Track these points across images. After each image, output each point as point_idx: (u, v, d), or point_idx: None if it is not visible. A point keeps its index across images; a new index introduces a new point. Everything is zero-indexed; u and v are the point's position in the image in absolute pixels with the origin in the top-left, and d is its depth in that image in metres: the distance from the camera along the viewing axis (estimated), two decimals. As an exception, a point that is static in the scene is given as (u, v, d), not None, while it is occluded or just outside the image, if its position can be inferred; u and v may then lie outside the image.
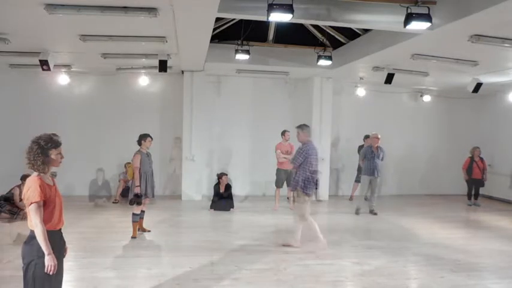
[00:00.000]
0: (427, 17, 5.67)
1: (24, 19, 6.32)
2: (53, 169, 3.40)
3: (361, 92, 12.26)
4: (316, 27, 9.18)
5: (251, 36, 9.20)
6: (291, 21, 6.46)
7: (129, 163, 8.90)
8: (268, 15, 5.61)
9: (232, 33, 9.25)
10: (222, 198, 10.23)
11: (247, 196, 10.93)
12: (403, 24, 5.86)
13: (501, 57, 8.09)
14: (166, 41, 7.51)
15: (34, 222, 3.12)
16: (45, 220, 3.18)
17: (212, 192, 10.94)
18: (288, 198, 11.11)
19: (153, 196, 7.60)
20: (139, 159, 7.06)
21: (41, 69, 8.53)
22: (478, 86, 9.92)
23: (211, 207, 9.78)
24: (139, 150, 7.19)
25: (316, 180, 11.21)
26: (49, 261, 3.13)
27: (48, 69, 8.50)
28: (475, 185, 11.39)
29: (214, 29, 7.67)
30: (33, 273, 3.16)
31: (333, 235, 7.96)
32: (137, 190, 7.00)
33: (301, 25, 8.86)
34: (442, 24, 6.02)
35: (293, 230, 6.96)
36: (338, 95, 12.13)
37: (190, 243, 7.03)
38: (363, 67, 9.95)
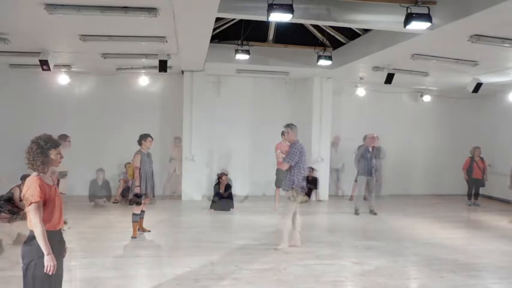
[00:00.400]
0: (427, 17, 5.67)
1: (24, 19, 6.32)
2: (55, 168, 3.39)
3: (361, 92, 12.25)
4: (316, 27, 9.17)
5: (251, 36, 9.20)
6: (291, 21, 6.46)
7: (129, 163, 8.89)
8: (268, 15, 5.61)
9: (232, 33, 9.24)
10: (222, 198, 10.23)
11: (247, 196, 10.93)
12: (403, 24, 5.86)
13: (501, 57, 8.09)
14: (166, 41, 7.51)
15: (34, 222, 3.12)
16: (45, 220, 3.17)
17: (212, 192, 10.94)
18: (288, 198, 11.10)
19: (153, 196, 7.60)
20: (139, 159, 7.06)
21: (41, 69, 8.53)
22: (478, 86, 9.92)
23: (211, 207, 9.78)
24: (139, 150, 7.19)
25: (316, 180, 11.29)
26: (49, 261, 3.13)
27: (48, 69, 8.50)
28: (475, 185, 11.39)
29: (214, 29, 7.67)
30: (33, 273, 3.16)
31: (333, 235, 7.98)
32: (137, 190, 7.01)
33: (301, 25, 8.85)
34: (442, 24, 6.02)
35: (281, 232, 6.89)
36: (338, 95, 12.12)
37: (190, 243, 7.03)
38: (363, 67, 9.95)
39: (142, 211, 7.32)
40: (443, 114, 13.23)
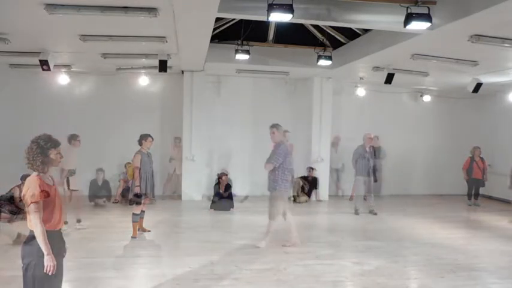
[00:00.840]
0: (427, 17, 5.67)
1: (24, 19, 6.32)
2: (52, 169, 3.38)
3: (361, 92, 12.25)
4: (316, 27, 9.17)
5: (251, 36, 9.20)
6: (291, 21, 6.46)
7: (129, 163, 8.91)
8: (268, 15, 5.61)
9: (232, 33, 9.24)
10: (222, 198, 10.23)
11: (247, 196, 10.92)
12: (403, 24, 5.85)
13: (501, 57, 8.09)
14: (166, 41, 7.51)
15: (33, 223, 3.12)
16: (45, 220, 3.17)
17: (212, 192, 10.94)
18: (288, 198, 11.10)
19: (153, 196, 7.60)
20: (139, 159, 7.06)
21: (41, 69, 8.53)
22: (478, 86, 9.92)
23: (211, 207, 9.78)
24: (139, 150, 7.19)
25: (316, 180, 11.28)
26: (48, 262, 3.13)
27: (48, 69, 8.50)
28: (475, 185, 11.39)
29: (214, 29, 7.67)
30: (33, 274, 3.16)
31: (333, 235, 7.98)
32: (137, 190, 7.01)
33: (301, 25, 8.85)
34: (442, 24, 6.02)
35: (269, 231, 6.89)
36: (338, 95, 12.12)
37: (190, 243, 7.04)
38: (363, 67, 9.95)
39: (142, 211, 7.32)
40: (443, 114, 13.23)
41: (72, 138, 8.88)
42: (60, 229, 3.40)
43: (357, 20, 6.71)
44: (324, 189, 11.54)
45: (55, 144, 3.30)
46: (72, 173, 8.47)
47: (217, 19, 6.93)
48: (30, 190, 3.13)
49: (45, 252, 3.12)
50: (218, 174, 11.19)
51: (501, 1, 4.90)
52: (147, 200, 7.48)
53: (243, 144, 11.85)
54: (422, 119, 13.09)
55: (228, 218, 9.25)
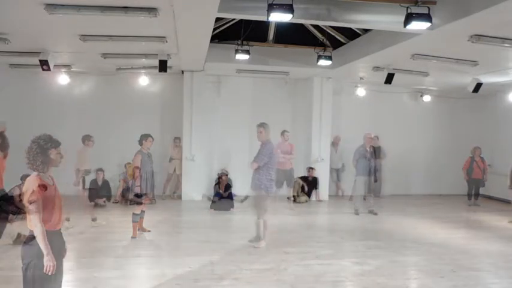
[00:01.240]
0: (427, 17, 5.67)
1: (24, 19, 6.32)
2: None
3: (361, 92, 12.26)
4: (316, 27, 9.17)
5: (251, 36, 9.20)
6: (291, 21, 6.46)
7: (129, 163, 8.92)
8: (268, 15, 5.61)
9: (232, 33, 9.24)
10: (222, 198, 10.22)
11: (247, 196, 10.91)
12: (403, 24, 5.85)
13: (501, 57, 8.09)
14: (166, 41, 7.51)
15: (33, 222, 3.12)
16: (45, 220, 3.17)
17: (212, 192, 10.94)
18: (288, 198, 11.12)
19: (153, 196, 7.59)
20: (140, 159, 7.07)
21: (41, 69, 8.54)
22: (478, 86, 9.92)
23: (211, 207, 9.78)
24: (140, 150, 7.19)
25: (316, 180, 11.28)
26: (48, 262, 3.12)
27: (48, 69, 8.50)
28: (475, 185, 11.39)
29: (214, 29, 7.67)
30: (33, 274, 3.16)
31: (333, 235, 7.98)
32: (137, 190, 7.01)
33: (301, 25, 8.85)
34: (442, 24, 6.02)
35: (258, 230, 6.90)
36: (338, 95, 12.12)
37: (190, 243, 7.04)
38: (363, 67, 9.95)
39: (143, 211, 7.32)
40: (443, 114, 13.23)
41: (86, 138, 9.13)
42: (60, 229, 3.40)
43: (357, 20, 6.71)
44: (324, 189, 11.54)
45: (55, 144, 3.30)
46: (87, 172, 8.79)
47: (217, 19, 6.93)
48: (29, 190, 3.13)
49: (44, 252, 3.12)
50: (218, 174, 11.20)
51: (501, 1, 4.90)
52: (147, 200, 7.48)
53: (243, 144, 11.83)
54: (423, 119, 13.09)
55: (228, 218, 9.25)
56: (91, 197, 9.84)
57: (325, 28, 9.05)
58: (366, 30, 8.51)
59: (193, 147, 10.92)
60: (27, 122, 10.36)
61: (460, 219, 9.79)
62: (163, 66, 8.78)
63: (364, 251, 6.77)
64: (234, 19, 8.48)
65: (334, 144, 12.09)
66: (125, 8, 5.66)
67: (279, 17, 5.78)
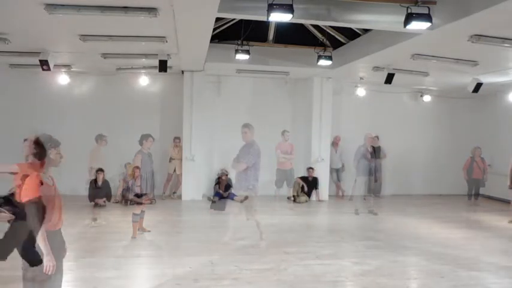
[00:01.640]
0: (427, 17, 5.67)
1: (24, 19, 6.32)
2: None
3: (361, 92, 12.25)
4: (316, 27, 9.17)
5: (251, 36, 9.19)
6: (291, 21, 6.46)
7: (129, 163, 8.95)
8: (268, 15, 5.61)
9: (232, 33, 9.24)
10: (222, 198, 10.22)
11: (247, 196, 10.89)
12: (403, 24, 5.85)
13: (501, 57, 8.09)
14: (166, 41, 7.51)
15: (33, 223, 3.12)
16: (45, 220, 3.17)
17: (212, 192, 10.95)
18: (288, 198, 11.12)
19: (153, 196, 7.58)
20: (140, 159, 7.07)
21: (41, 69, 8.54)
22: (478, 86, 9.92)
23: (212, 207, 9.77)
24: (140, 150, 7.19)
25: (316, 180, 11.28)
26: (48, 262, 3.12)
27: (48, 69, 8.51)
28: (475, 185, 11.39)
29: (214, 29, 7.67)
30: (33, 274, 3.16)
31: (333, 235, 7.98)
32: (137, 190, 7.01)
33: (301, 25, 8.85)
34: (442, 24, 6.01)
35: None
36: (338, 95, 12.12)
37: (190, 243, 7.04)
38: (363, 67, 9.95)
39: (143, 211, 7.32)
40: (443, 114, 13.23)
41: (99, 137, 9.20)
42: (60, 229, 3.40)
43: (357, 20, 6.71)
44: (324, 189, 11.54)
45: (55, 144, 3.30)
46: (101, 170, 9.16)
47: (217, 19, 6.92)
48: (29, 190, 3.13)
49: (44, 253, 3.12)
50: (218, 174, 11.21)
51: (501, 1, 4.90)
52: (147, 200, 7.48)
53: (243, 144, 11.83)
54: (423, 119, 13.09)
55: (228, 218, 9.23)
56: (91, 197, 9.85)
57: (325, 28, 9.04)
58: (366, 30, 8.51)
59: (193, 147, 10.91)
60: (27, 122, 10.37)
61: (460, 219, 9.79)
62: (163, 66, 8.78)
63: (364, 251, 6.77)
64: (234, 19, 8.48)
65: (334, 144, 12.09)
66: (125, 8, 5.66)
67: (279, 17, 5.78)
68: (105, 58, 8.95)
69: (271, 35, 9.78)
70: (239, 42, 9.09)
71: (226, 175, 11.19)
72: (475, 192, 11.37)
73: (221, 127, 11.66)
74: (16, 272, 4.23)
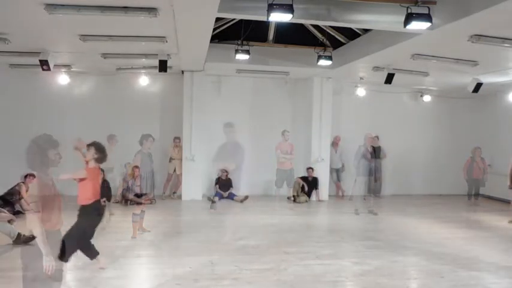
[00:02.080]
0: (427, 17, 5.67)
1: (24, 19, 6.32)
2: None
3: (361, 92, 12.25)
4: (316, 27, 9.17)
5: (251, 36, 9.19)
6: (291, 21, 6.46)
7: (129, 163, 8.97)
8: (268, 15, 5.61)
9: (232, 33, 9.24)
10: (222, 198, 10.21)
11: (247, 196, 10.92)
12: (403, 24, 5.85)
13: (501, 57, 8.09)
14: (166, 41, 7.51)
15: (33, 223, 3.12)
16: (44, 220, 3.17)
17: (212, 192, 10.95)
18: (288, 198, 11.13)
19: (153, 196, 7.58)
20: (139, 159, 7.07)
21: (41, 69, 8.54)
22: (478, 86, 9.92)
23: (212, 207, 9.78)
24: (140, 150, 7.19)
25: (316, 180, 11.28)
26: (48, 262, 3.12)
27: (48, 69, 8.50)
28: (475, 185, 11.39)
29: (214, 29, 7.67)
30: (34, 273, 3.16)
31: (333, 235, 7.98)
32: (137, 190, 7.02)
33: (301, 25, 8.85)
34: (442, 24, 6.02)
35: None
36: (338, 95, 12.12)
37: (190, 243, 7.03)
38: (363, 67, 9.95)
39: (143, 211, 7.32)
40: (443, 114, 13.23)
41: (111, 138, 9.42)
42: (59, 229, 3.40)
43: (357, 20, 6.71)
44: (324, 189, 11.53)
45: (54, 144, 3.31)
46: (110, 170, 9.22)
47: (217, 19, 6.92)
48: (29, 190, 3.14)
49: (44, 253, 3.12)
50: (218, 174, 11.22)
51: (501, 1, 4.90)
52: (147, 200, 7.48)
53: (243, 144, 11.85)
54: (423, 119, 13.09)
55: (228, 218, 9.25)
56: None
57: (325, 28, 9.05)
58: (366, 30, 8.51)
59: (193, 147, 10.91)
60: (27, 122, 10.38)
61: (460, 219, 9.79)
62: (163, 66, 8.78)
63: (364, 251, 6.77)
64: (234, 19, 8.48)
65: (334, 144, 12.09)
66: (125, 8, 5.66)
67: (279, 17, 5.78)
68: (105, 58, 8.95)
69: (271, 35, 9.78)
70: (239, 42, 9.09)
71: (227, 175, 11.21)
72: (475, 192, 11.37)
73: (221, 127, 11.67)
74: (16, 272, 4.24)
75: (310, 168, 11.25)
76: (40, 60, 8.28)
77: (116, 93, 11.35)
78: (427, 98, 13.00)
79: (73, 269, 5.46)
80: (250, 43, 9.30)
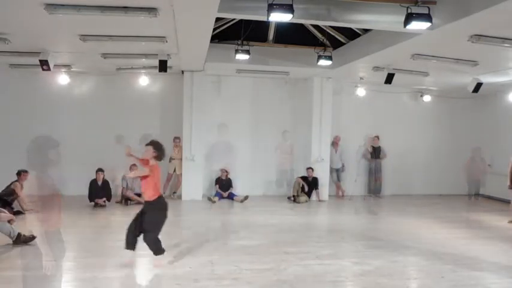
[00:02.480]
0: (427, 17, 5.67)
1: (24, 19, 6.32)
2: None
3: (361, 92, 12.25)
4: (316, 27, 9.17)
5: (251, 36, 9.20)
6: (291, 21, 6.46)
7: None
8: (268, 15, 5.61)
9: (232, 33, 9.24)
10: (222, 198, 10.20)
11: (247, 196, 10.93)
12: (403, 24, 5.85)
13: (501, 57, 8.08)
14: (166, 41, 7.51)
15: (33, 223, 3.12)
16: (44, 220, 3.17)
17: (212, 192, 10.95)
18: (288, 198, 11.13)
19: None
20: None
21: (41, 69, 8.54)
22: (478, 86, 9.92)
23: (212, 207, 9.78)
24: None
25: (316, 180, 11.29)
26: (47, 262, 3.12)
27: (48, 69, 8.51)
28: (475, 185, 11.40)
29: (214, 29, 7.67)
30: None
31: (333, 235, 7.98)
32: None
33: (301, 25, 8.85)
34: (442, 24, 6.01)
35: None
36: (338, 95, 12.12)
37: (190, 243, 7.03)
38: (363, 67, 9.95)
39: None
40: (443, 114, 13.23)
41: (119, 138, 10.07)
42: (59, 229, 3.40)
43: (357, 20, 6.71)
44: (324, 189, 11.53)
45: (54, 144, 3.31)
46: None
47: (217, 19, 6.92)
48: (26, 189, 3.15)
49: (43, 252, 3.11)
50: (218, 174, 11.22)
51: (501, 1, 4.90)
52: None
53: (243, 144, 11.86)
54: (423, 119, 13.09)
55: (228, 218, 9.25)
56: (91, 197, 9.85)
57: (325, 28, 9.05)
58: (366, 30, 8.51)
59: (193, 147, 10.91)
60: (27, 122, 10.38)
61: (460, 219, 9.79)
62: (163, 66, 8.78)
63: (364, 251, 6.77)
64: (234, 19, 8.48)
65: (334, 144, 12.10)
66: (125, 8, 5.66)
67: (279, 17, 5.78)
68: (105, 58, 8.95)
69: (271, 35, 9.78)
70: (239, 42, 9.09)
71: (227, 175, 11.21)
72: (475, 192, 11.38)
73: (221, 127, 11.68)
74: (16, 272, 4.25)
75: (310, 168, 11.25)
76: (40, 60, 8.29)
77: (116, 93, 11.35)
78: (427, 98, 13.00)
79: (73, 269, 5.47)
80: (250, 43, 9.30)
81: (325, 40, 9.47)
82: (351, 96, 12.37)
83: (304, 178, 11.22)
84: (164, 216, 5.55)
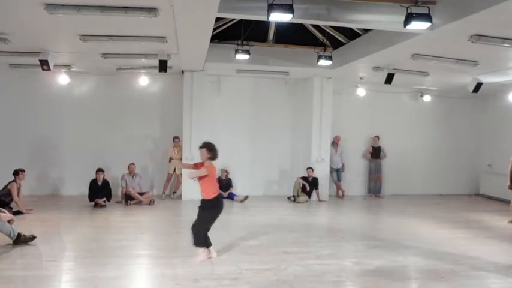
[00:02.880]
0: (427, 17, 5.68)
1: (24, 19, 6.32)
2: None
3: (361, 92, 12.26)
4: (316, 27, 9.18)
5: (251, 36, 9.20)
6: (291, 21, 6.46)
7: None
8: (268, 15, 5.61)
9: (232, 33, 9.25)
10: (222, 198, 10.16)
11: (247, 196, 10.93)
12: (403, 24, 5.86)
13: (501, 57, 8.08)
14: (166, 41, 7.51)
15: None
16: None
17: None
18: (288, 198, 11.13)
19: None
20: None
21: (41, 69, 8.54)
22: (478, 86, 9.92)
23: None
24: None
25: (316, 180, 11.29)
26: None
27: (48, 69, 8.51)
28: None
29: (214, 29, 7.67)
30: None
31: (333, 235, 7.98)
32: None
33: (301, 25, 8.85)
34: (442, 24, 6.02)
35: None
36: (338, 95, 12.12)
37: (190, 243, 7.02)
38: (363, 67, 9.95)
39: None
40: (443, 114, 13.23)
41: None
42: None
43: (357, 20, 6.71)
44: (324, 189, 11.54)
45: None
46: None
47: (217, 19, 6.93)
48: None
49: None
50: (218, 174, 11.21)
51: (501, 1, 4.90)
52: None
53: (243, 144, 11.86)
54: (423, 119, 13.09)
55: (228, 218, 9.23)
56: (91, 197, 9.85)
57: (325, 28, 9.05)
58: (366, 30, 8.51)
59: (193, 147, 10.88)
60: (27, 122, 10.39)
61: (460, 219, 9.78)
62: (163, 66, 8.78)
63: (364, 251, 6.77)
64: (234, 19, 8.48)
65: (334, 144, 12.10)
66: (125, 8, 5.66)
67: (279, 17, 5.78)
68: (105, 58, 8.95)
69: (271, 35, 9.78)
70: (239, 42, 9.09)
71: (227, 175, 11.21)
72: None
73: (221, 127, 11.67)
74: (16, 272, 4.25)
75: (310, 168, 11.25)
76: (40, 60, 8.28)
77: (116, 93, 11.35)
78: (427, 98, 13.00)
79: (73, 268, 5.47)
80: (250, 43, 9.30)
81: (325, 40, 9.47)
82: (351, 96, 12.38)
83: (304, 178, 11.22)
84: (218, 214, 5.88)
